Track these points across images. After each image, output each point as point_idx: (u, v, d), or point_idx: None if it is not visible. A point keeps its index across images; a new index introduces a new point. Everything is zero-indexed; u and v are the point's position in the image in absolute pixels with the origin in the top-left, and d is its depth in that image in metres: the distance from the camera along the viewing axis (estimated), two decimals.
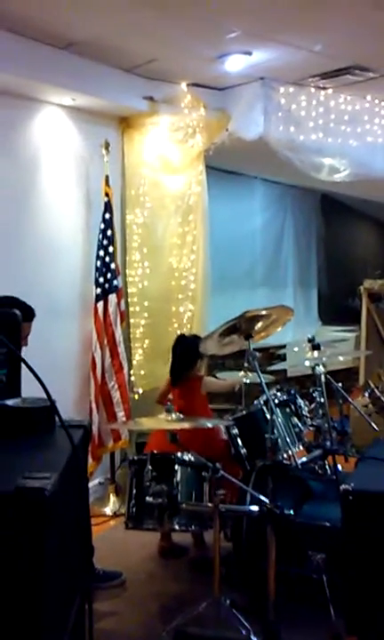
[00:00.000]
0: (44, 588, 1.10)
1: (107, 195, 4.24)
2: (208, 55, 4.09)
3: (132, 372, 4.55)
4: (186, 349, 3.51)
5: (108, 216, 4.22)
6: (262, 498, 2.58)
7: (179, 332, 4.22)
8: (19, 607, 1.09)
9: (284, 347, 6.07)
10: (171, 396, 3.57)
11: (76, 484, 1.39)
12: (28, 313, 2.95)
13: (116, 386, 4.26)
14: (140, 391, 4.56)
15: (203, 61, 4.21)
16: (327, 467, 3.06)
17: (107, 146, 4.25)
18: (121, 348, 4.29)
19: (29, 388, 1.68)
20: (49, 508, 1.09)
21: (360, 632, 2.09)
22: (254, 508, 2.62)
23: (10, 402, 1.58)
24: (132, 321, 4.60)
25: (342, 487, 2.10)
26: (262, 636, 2.48)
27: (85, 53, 3.97)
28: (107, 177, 4.25)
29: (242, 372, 3.78)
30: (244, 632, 2.50)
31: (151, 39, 3.82)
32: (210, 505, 2.69)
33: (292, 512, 2.60)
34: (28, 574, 1.09)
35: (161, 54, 4.08)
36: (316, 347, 3.19)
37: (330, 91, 4.94)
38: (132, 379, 4.55)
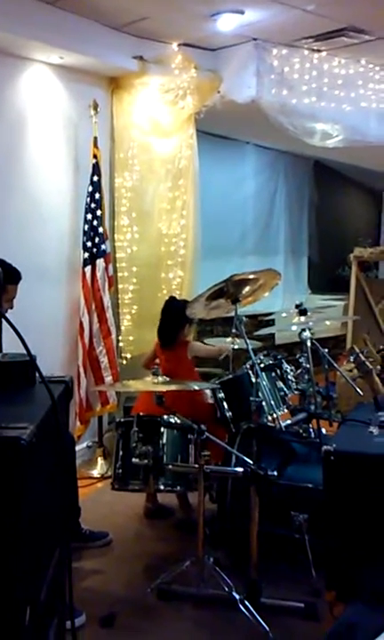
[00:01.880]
0: (21, 536, 1.11)
1: (95, 157, 4.17)
2: (200, 13, 3.99)
3: (120, 337, 4.54)
4: (176, 311, 3.49)
5: (96, 179, 4.15)
6: (246, 459, 2.61)
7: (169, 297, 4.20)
8: None
9: (272, 314, 6.07)
10: (157, 361, 3.58)
11: (56, 439, 1.39)
12: (14, 275, 2.92)
13: (104, 351, 4.26)
14: (129, 356, 4.57)
15: (194, 20, 4.10)
16: (311, 430, 3.09)
17: (95, 106, 4.16)
18: (109, 314, 4.28)
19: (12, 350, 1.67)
20: (26, 458, 1.09)
21: (339, 587, 2.14)
22: (239, 469, 2.65)
23: None
24: (120, 286, 4.57)
25: (324, 448, 2.12)
26: (244, 593, 2.54)
27: (74, 9, 3.86)
28: (95, 138, 4.17)
29: (229, 339, 3.78)
30: (226, 589, 2.56)
31: None
32: (195, 466, 2.72)
33: (275, 473, 2.63)
34: (4, 522, 1.09)
35: (152, 12, 3.97)
36: (303, 312, 3.19)
37: (324, 53, 4.85)
38: (121, 344, 4.55)
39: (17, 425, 1.12)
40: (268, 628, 2.39)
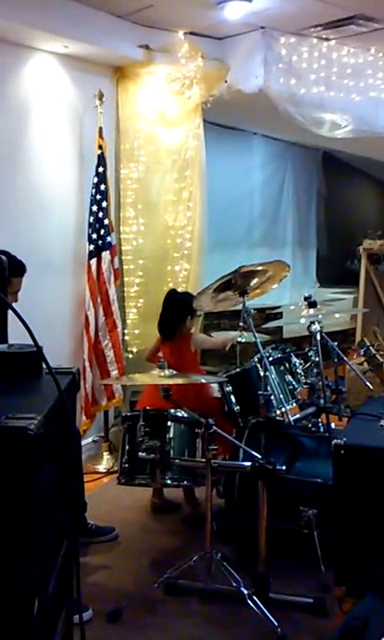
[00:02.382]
0: (29, 528, 1.08)
1: (100, 147, 4.12)
2: (206, 1, 3.93)
3: (125, 331, 4.51)
4: (176, 304, 3.45)
5: (101, 170, 4.10)
6: (255, 454, 2.57)
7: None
8: (3, 549, 1.07)
9: (280, 308, 6.03)
10: (161, 354, 3.54)
11: (63, 430, 1.36)
12: (19, 268, 2.88)
13: (110, 344, 4.23)
14: (135, 350, 4.53)
15: (201, 8, 4.04)
16: (320, 424, 3.05)
17: (100, 96, 4.10)
18: (115, 307, 4.24)
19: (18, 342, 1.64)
20: (33, 449, 1.06)
21: (348, 582, 2.11)
22: (247, 463, 2.61)
23: None
24: (125, 279, 4.53)
25: (334, 442, 2.10)
26: (252, 588, 2.50)
27: None
28: (100, 129, 4.12)
29: (237, 332, 3.73)
30: (234, 584, 2.53)
31: None
32: (202, 460, 2.69)
33: (284, 468, 2.59)
34: (12, 513, 1.07)
35: (157, 0, 3.91)
36: (312, 304, 3.14)
37: (333, 42, 4.78)
38: (126, 338, 4.51)
39: (24, 415, 1.09)
40: (276, 623, 2.36)
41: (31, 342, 1.38)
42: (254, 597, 2.46)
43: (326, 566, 2.67)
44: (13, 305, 1.39)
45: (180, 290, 4.42)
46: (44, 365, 1.37)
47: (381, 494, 2.09)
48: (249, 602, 2.45)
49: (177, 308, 3.45)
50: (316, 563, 2.70)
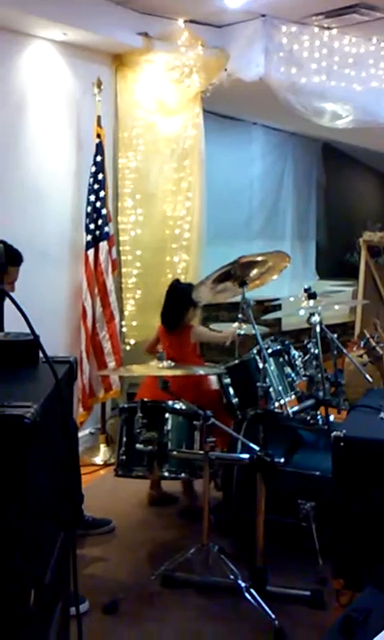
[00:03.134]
0: (25, 518, 1.07)
1: (98, 136, 4.07)
2: None
3: (123, 322, 4.47)
4: (181, 294, 3.40)
5: (99, 159, 4.05)
6: (253, 446, 2.55)
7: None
8: None
9: (279, 300, 6.00)
10: (160, 346, 3.51)
11: (60, 419, 1.34)
12: (15, 257, 2.86)
13: (107, 336, 4.19)
14: (132, 342, 4.50)
15: None
16: (319, 417, 3.03)
17: (99, 84, 4.05)
18: (112, 298, 4.20)
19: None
20: (30, 438, 1.04)
21: (346, 575, 2.10)
22: (245, 456, 2.59)
23: None
24: (123, 270, 4.49)
25: (334, 434, 2.08)
26: (250, 581, 2.49)
27: None
28: (99, 117, 4.07)
29: (236, 324, 3.69)
30: (231, 577, 2.51)
31: None
32: (200, 452, 2.66)
33: (282, 461, 2.57)
34: (8, 503, 1.06)
35: None
36: (312, 295, 3.11)
37: (334, 31, 4.72)
38: (124, 329, 4.48)
39: (20, 404, 1.08)
40: (273, 616, 2.35)
41: (27, 331, 1.35)
42: (251, 590, 2.45)
43: (324, 559, 2.66)
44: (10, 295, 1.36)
45: None
46: (41, 354, 1.35)
47: (381, 487, 2.07)
48: (246, 594, 2.44)
49: (181, 298, 3.40)
50: (313, 556, 2.68)
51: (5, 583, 1.08)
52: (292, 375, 3.10)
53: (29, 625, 1.12)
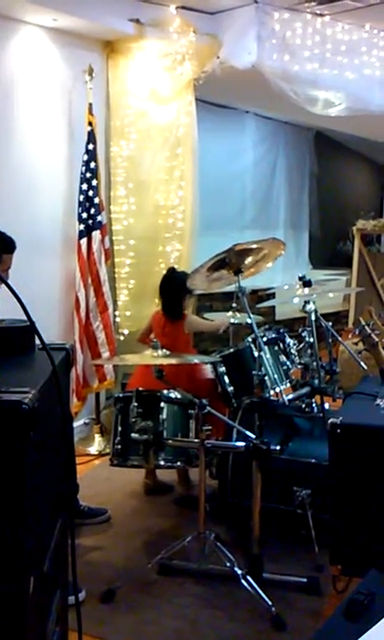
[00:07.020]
0: (24, 504, 1.06)
1: (90, 124, 4.03)
2: None
3: (117, 312, 4.45)
4: (179, 282, 3.37)
5: (91, 147, 4.02)
6: (249, 434, 2.55)
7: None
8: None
9: (273, 289, 5.98)
10: (153, 335, 3.49)
11: (57, 406, 1.33)
12: (9, 244, 2.84)
13: (101, 326, 4.18)
14: (126, 332, 4.48)
15: None
16: (314, 404, 3.03)
17: (90, 71, 4.01)
18: (106, 288, 4.18)
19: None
20: (28, 423, 1.03)
21: (343, 561, 2.11)
22: (240, 444, 2.59)
23: None
24: (116, 260, 4.46)
25: (330, 421, 2.08)
26: (246, 569, 2.50)
27: None
28: (90, 105, 4.03)
29: (230, 313, 3.69)
30: (228, 564, 2.52)
31: None
32: (196, 441, 2.66)
33: (277, 448, 2.57)
34: (7, 490, 1.05)
35: None
36: (306, 283, 3.10)
37: (327, 18, 4.69)
38: (117, 320, 4.46)
39: (18, 389, 1.07)
40: (270, 603, 2.36)
41: (23, 318, 1.34)
42: (248, 577, 2.46)
43: (320, 546, 2.66)
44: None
45: None
46: (38, 341, 1.34)
47: (377, 473, 2.08)
48: (243, 582, 2.45)
49: (179, 286, 3.37)
50: (309, 543, 2.69)
51: (5, 569, 1.08)
52: (287, 363, 3.10)
53: (29, 614, 1.11)
